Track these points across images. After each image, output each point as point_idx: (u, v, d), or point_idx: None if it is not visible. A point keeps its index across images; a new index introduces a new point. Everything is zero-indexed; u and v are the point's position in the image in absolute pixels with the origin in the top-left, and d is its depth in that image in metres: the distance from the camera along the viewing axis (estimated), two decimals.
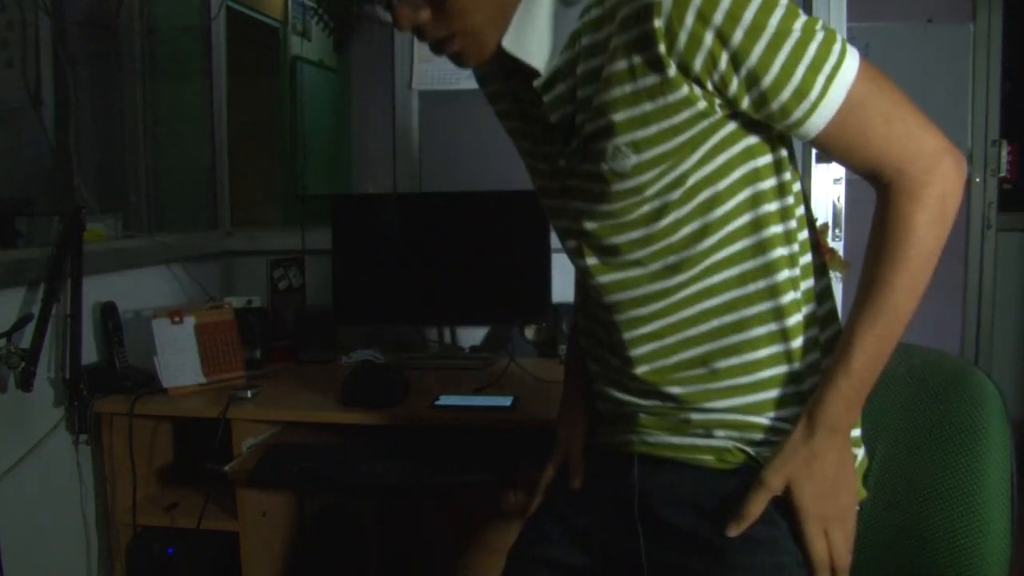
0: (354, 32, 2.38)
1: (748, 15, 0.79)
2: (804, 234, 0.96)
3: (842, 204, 2.19)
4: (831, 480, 0.93)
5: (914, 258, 0.86)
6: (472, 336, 2.26)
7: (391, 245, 2.12)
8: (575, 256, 1.01)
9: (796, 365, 0.96)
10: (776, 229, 0.92)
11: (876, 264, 0.88)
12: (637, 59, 0.84)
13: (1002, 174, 3.12)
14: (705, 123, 0.86)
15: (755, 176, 0.91)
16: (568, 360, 1.23)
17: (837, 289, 2.17)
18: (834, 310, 1.03)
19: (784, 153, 0.93)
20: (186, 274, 2.15)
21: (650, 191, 0.89)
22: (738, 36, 0.80)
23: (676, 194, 0.89)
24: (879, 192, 0.88)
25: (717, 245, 0.91)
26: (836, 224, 2.18)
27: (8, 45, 2.02)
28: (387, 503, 2.04)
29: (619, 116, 0.87)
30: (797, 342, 0.96)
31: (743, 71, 0.82)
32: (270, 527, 1.80)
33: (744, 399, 0.96)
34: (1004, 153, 3.10)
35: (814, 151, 2.18)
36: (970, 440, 1.27)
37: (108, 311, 1.84)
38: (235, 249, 2.43)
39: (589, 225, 0.95)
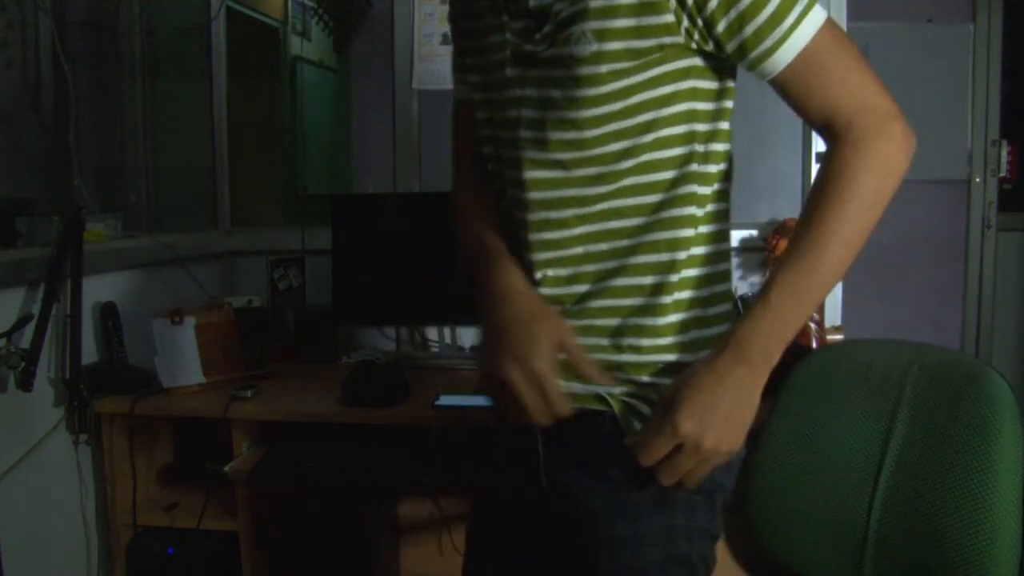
0: (354, 32, 2.38)
1: None
2: (718, 187, 0.98)
3: None
4: (724, 411, 0.87)
5: (849, 206, 0.86)
6: (472, 336, 2.26)
7: (391, 245, 2.12)
8: (508, 148, 0.99)
9: (680, 314, 0.95)
10: (695, 167, 0.94)
11: (811, 208, 0.89)
12: None
13: (1002, 174, 3.12)
14: (670, 46, 0.88)
15: (693, 116, 0.93)
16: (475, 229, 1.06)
17: (837, 289, 2.17)
18: (726, 282, 1.00)
19: (728, 105, 0.97)
20: (186, 274, 2.15)
21: (596, 90, 0.90)
22: None
23: (618, 105, 0.90)
24: (828, 143, 0.90)
25: (640, 168, 0.92)
26: None
27: (8, 45, 2.02)
28: (387, 503, 2.04)
29: (595, 4, 0.88)
30: (684, 293, 0.95)
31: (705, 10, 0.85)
32: (270, 527, 1.80)
33: (628, 321, 0.95)
34: (1004, 153, 3.10)
35: (814, 152, 2.18)
36: (982, 440, 1.27)
37: (108, 311, 1.84)
38: (235, 249, 2.43)
39: (532, 114, 0.95)
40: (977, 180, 3.09)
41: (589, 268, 0.95)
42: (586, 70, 0.89)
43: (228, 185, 2.51)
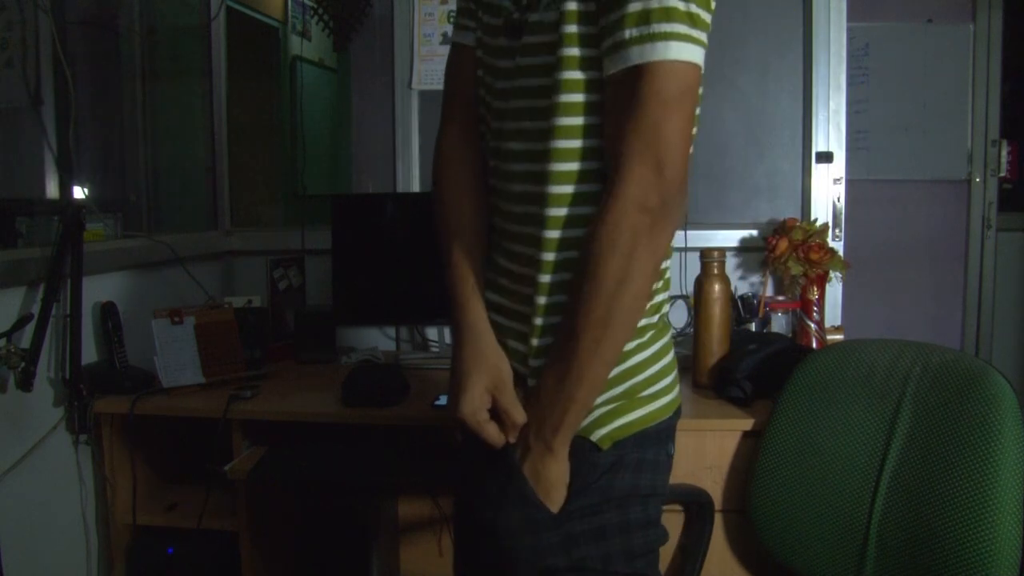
0: (354, 32, 2.38)
1: None
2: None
3: (842, 204, 2.19)
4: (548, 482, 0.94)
5: (596, 287, 0.86)
6: None
7: (391, 245, 2.12)
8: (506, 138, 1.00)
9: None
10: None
11: (580, 281, 0.88)
12: None
13: (1002, 174, 3.12)
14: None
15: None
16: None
17: (837, 289, 2.17)
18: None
19: None
20: (186, 274, 2.15)
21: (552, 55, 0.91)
22: None
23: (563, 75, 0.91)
24: (604, 187, 0.88)
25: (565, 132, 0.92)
26: (836, 224, 2.18)
27: (8, 45, 2.02)
28: (387, 503, 2.03)
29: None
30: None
31: None
32: (270, 527, 1.80)
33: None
34: (1004, 153, 3.10)
35: (814, 152, 2.18)
36: (983, 440, 1.27)
37: (108, 311, 1.84)
38: (235, 249, 2.43)
39: (525, 82, 0.96)
40: (977, 180, 3.09)
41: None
42: (549, 36, 0.91)
43: (228, 185, 2.51)
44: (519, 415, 0.95)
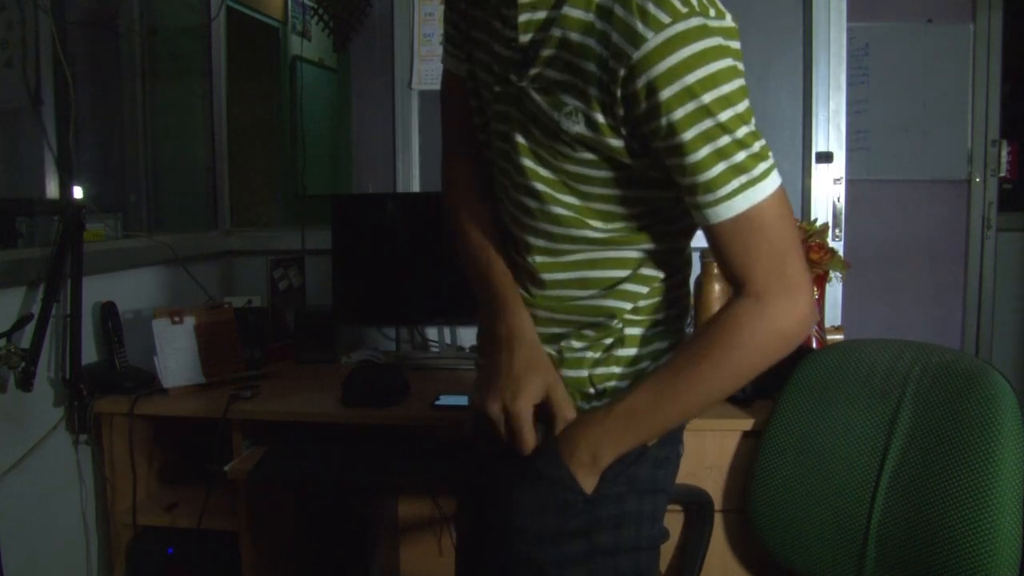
0: (354, 32, 2.38)
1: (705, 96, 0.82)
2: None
3: (842, 204, 2.19)
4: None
5: (735, 354, 0.89)
6: (472, 336, 2.26)
7: (391, 245, 2.12)
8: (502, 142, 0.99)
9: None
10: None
11: (699, 346, 0.90)
12: (593, 92, 0.86)
13: (1002, 174, 3.12)
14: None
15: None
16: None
17: (837, 289, 2.17)
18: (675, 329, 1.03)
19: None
20: (186, 274, 2.15)
21: (579, 155, 0.91)
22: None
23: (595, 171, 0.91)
24: (735, 293, 0.90)
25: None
26: (836, 224, 2.18)
27: (8, 45, 2.02)
28: (387, 503, 2.03)
29: (578, 82, 0.88)
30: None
31: (669, 140, 0.84)
32: (270, 527, 1.80)
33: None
34: (1004, 153, 3.10)
35: (814, 152, 2.18)
36: (983, 440, 1.27)
37: (108, 311, 1.84)
38: (235, 249, 2.43)
39: (520, 137, 0.95)
40: (977, 180, 3.09)
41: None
42: (569, 142, 0.90)
43: (228, 185, 2.51)
44: (570, 411, 0.96)
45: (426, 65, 2.29)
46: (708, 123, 0.82)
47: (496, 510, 1.01)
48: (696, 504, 1.61)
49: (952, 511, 1.27)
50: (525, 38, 0.90)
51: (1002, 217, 3.14)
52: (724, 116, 0.82)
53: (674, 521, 1.64)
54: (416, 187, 2.33)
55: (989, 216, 3.11)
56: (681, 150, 0.83)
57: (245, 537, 1.72)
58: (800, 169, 2.22)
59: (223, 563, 1.76)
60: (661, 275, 0.98)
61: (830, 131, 2.18)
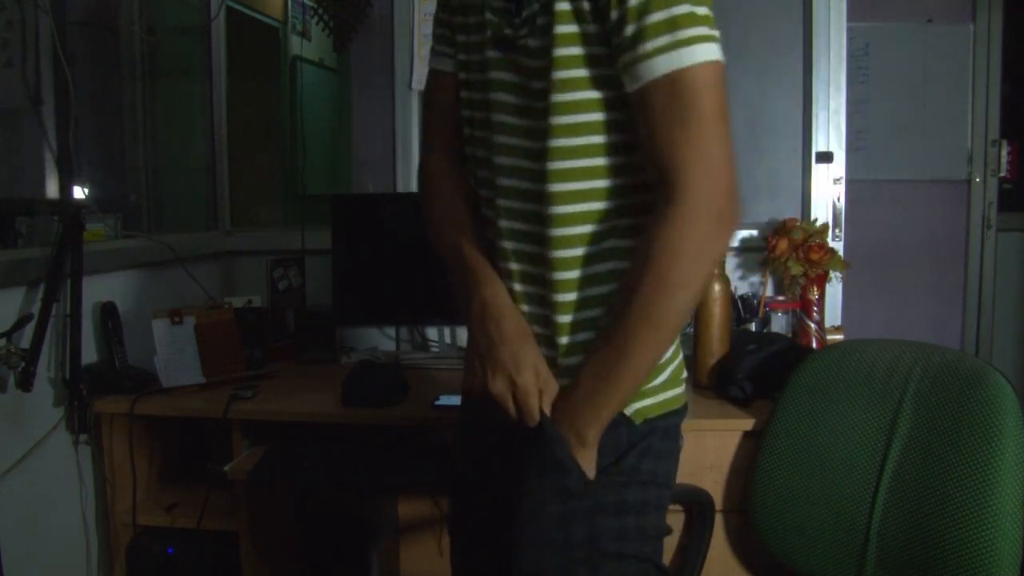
0: (354, 32, 2.38)
1: None
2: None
3: (842, 204, 2.19)
4: None
5: (668, 289, 0.87)
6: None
7: (391, 245, 2.12)
8: (483, 129, 1.01)
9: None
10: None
11: (633, 283, 0.89)
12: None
13: (1002, 174, 3.11)
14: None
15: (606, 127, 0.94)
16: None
17: (837, 289, 2.17)
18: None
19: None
20: (186, 274, 2.15)
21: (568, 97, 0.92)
22: None
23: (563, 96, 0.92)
24: (656, 200, 0.90)
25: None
26: (836, 224, 2.18)
27: (8, 45, 2.01)
28: (387, 503, 2.03)
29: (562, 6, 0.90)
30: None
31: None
32: (270, 527, 1.80)
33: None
34: (1004, 153, 3.10)
35: (814, 152, 2.18)
36: (984, 441, 1.27)
37: (108, 311, 1.84)
38: (235, 249, 2.43)
39: (509, 99, 0.97)
40: (977, 180, 3.09)
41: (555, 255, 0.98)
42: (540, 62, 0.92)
43: (228, 185, 2.51)
44: (555, 385, 0.96)
45: (426, 65, 2.29)
46: None
47: (499, 498, 1.01)
48: (696, 504, 1.61)
49: (953, 511, 1.27)
50: None
51: (1002, 217, 3.14)
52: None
53: (674, 521, 1.64)
54: (416, 187, 2.33)
55: (989, 216, 3.11)
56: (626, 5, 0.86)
57: (245, 537, 1.72)
58: (800, 169, 2.22)
59: (223, 563, 1.76)
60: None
61: (830, 131, 2.18)
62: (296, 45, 4.08)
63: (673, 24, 0.85)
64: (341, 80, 3.20)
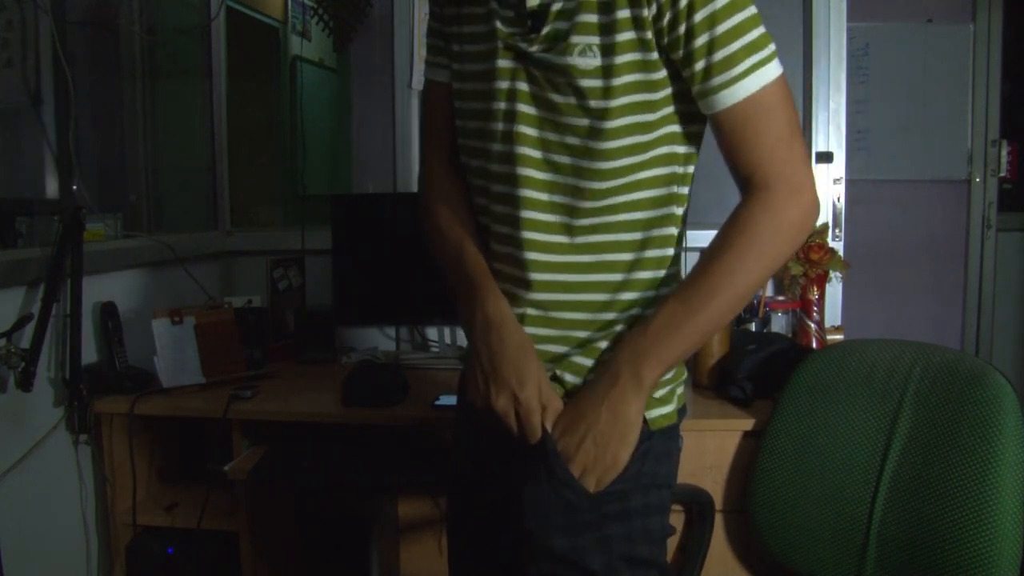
0: (354, 32, 2.38)
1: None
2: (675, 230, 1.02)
3: (842, 204, 2.19)
4: (595, 428, 0.95)
5: (749, 261, 0.92)
6: None
7: (391, 245, 2.12)
8: (498, 142, 1.00)
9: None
10: (676, 189, 1.00)
11: (713, 252, 0.94)
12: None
13: (1002, 174, 3.12)
14: (656, 75, 0.93)
15: (673, 152, 0.98)
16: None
17: (837, 289, 2.17)
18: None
19: (694, 150, 1.00)
20: (186, 274, 2.15)
21: (597, 104, 0.93)
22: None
23: (627, 120, 0.93)
24: (742, 195, 0.95)
25: (634, 186, 0.97)
26: (836, 224, 2.18)
27: (8, 45, 2.01)
28: (387, 503, 2.03)
29: (594, 19, 0.91)
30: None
31: (691, 18, 0.88)
32: (270, 527, 1.80)
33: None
34: (1004, 153, 3.10)
35: (814, 152, 2.18)
36: (984, 441, 1.27)
37: (108, 311, 1.84)
38: (235, 249, 2.43)
39: (529, 111, 0.97)
40: (977, 180, 3.09)
41: (572, 278, 0.99)
42: (588, 82, 0.92)
43: (228, 185, 2.51)
44: (559, 402, 0.98)
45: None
46: (720, 2, 0.88)
47: (503, 512, 1.01)
48: (697, 504, 1.61)
49: (953, 511, 1.27)
50: (534, 2, 0.93)
51: (1002, 217, 3.14)
52: (739, 13, 0.89)
53: (675, 521, 1.64)
54: (416, 187, 2.33)
55: (989, 216, 3.11)
56: (694, 32, 0.88)
57: (245, 537, 1.72)
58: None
59: (223, 563, 1.76)
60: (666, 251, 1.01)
61: (830, 131, 2.18)
62: (296, 45, 4.08)
63: (744, 55, 0.89)
64: (341, 80, 3.20)
